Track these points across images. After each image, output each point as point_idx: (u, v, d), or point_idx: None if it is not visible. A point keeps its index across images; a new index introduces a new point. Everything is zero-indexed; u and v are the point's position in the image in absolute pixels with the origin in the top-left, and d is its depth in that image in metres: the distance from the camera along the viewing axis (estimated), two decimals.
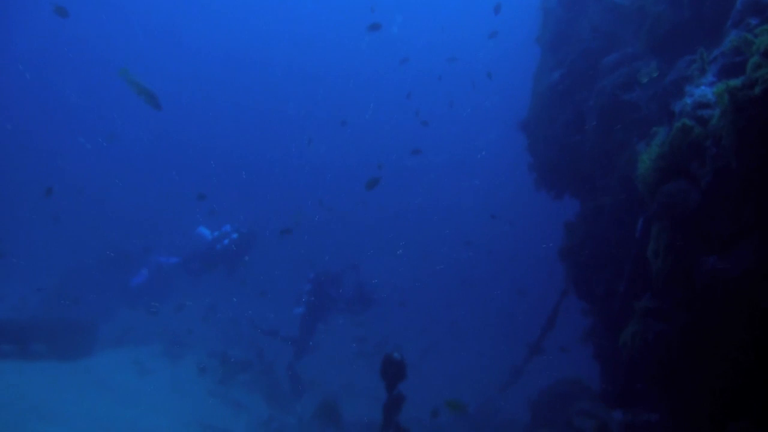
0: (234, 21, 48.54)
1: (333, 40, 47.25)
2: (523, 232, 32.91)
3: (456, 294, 28.72)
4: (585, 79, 10.80)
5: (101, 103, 41.43)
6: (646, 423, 6.54)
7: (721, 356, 6.02)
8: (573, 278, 11.16)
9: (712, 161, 5.87)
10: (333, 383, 18.37)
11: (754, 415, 5.37)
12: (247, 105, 45.62)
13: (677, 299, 6.62)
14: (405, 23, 43.90)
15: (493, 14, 15.23)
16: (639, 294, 8.57)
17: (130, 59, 41.40)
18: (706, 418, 6.16)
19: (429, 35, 43.81)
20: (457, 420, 17.37)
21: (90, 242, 25.20)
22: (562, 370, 14.78)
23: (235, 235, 19.75)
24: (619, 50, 10.13)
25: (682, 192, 6.20)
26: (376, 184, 12.04)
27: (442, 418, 17.12)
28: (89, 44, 43.78)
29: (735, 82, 5.45)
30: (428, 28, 44.13)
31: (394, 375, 7.03)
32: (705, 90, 6.51)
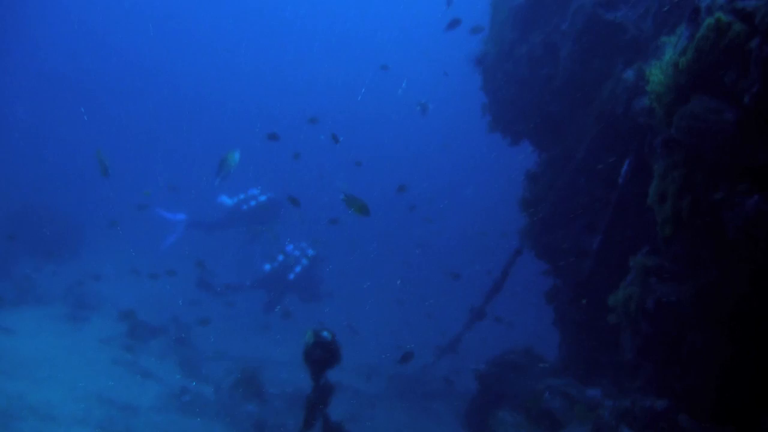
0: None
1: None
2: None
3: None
4: (557, 1, 9.17)
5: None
6: (650, 411, 5.14)
7: (753, 329, 4.60)
8: (534, 235, 9.69)
9: (761, 68, 4.34)
10: (253, 353, 16.82)
11: None
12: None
13: (692, 254, 5.16)
14: None
15: None
16: (618, 251, 7.21)
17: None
18: (729, 408, 4.76)
19: None
20: (391, 388, 16.14)
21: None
22: (507, 338, 13.61)
23: (263, 198, 18.27)
24: None
25: (713, 112, 4.67)
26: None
27: (374, 385, 15.96)
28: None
29: None
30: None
31: (322, 360, 5.27)
32: None
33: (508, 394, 9.69)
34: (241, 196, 18.39)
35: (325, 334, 5.33)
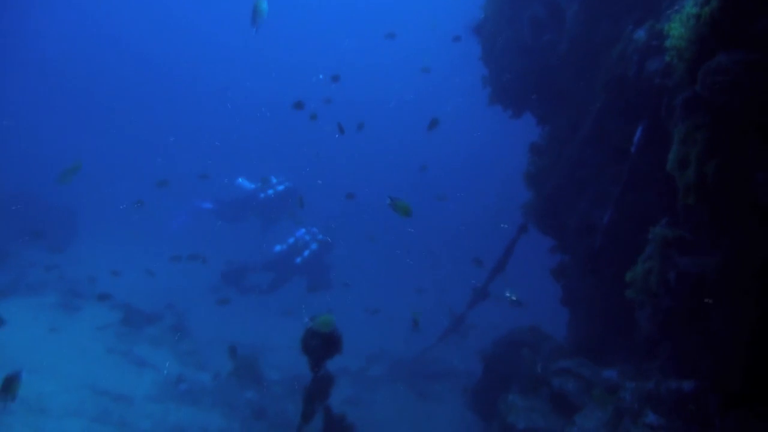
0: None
1: None
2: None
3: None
4: None
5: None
6: (677, 393, 4.76)
7: None
8: (539, 210, 9.28)
9: None
10: (252, 339, 16.52)
11: None
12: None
13: (717, 223, 4.75)
14: None
15: None
16: (630, 225, 6.81)
17: None
18: (760, 386, 4.39)
19: None
20: (393, 371, 15.85)
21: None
22: (511, 317, 13.24)
23: (281, 188, 18.56)
24: None
25: (742, 65, 4.24)
26: None
27: (376, 368, 15.65)
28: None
29: None
30: None
31: (321, 349, 4.88)
32: None
33: (515, 375, 9.33)
34: (259, 183, 18.55)
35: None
